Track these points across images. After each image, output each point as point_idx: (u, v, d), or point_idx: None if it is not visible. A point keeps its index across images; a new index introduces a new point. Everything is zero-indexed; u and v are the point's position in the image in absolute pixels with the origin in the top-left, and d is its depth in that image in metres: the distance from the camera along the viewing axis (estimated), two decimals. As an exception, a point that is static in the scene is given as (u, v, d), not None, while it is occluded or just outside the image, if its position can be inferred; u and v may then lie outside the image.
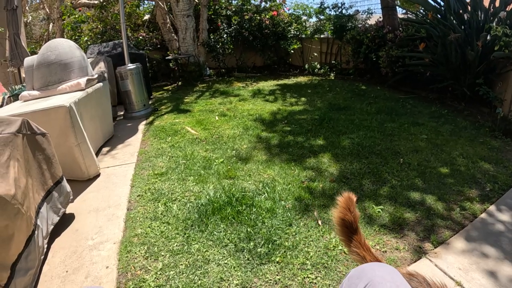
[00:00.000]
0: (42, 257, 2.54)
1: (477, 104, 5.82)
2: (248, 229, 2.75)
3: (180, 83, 9.78)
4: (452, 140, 4.49)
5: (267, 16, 10.64)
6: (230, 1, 11.71)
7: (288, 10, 11.58)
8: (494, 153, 4.07)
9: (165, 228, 2.88)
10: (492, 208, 2.99)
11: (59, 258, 2.65)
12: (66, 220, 3.13)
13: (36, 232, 2.45)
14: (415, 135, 4.67)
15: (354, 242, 1.36)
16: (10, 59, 7.04)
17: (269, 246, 2.56)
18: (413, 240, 2.62)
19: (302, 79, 9.68)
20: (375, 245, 2.56)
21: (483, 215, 2.90)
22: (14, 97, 5.44)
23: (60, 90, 4.50)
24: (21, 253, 2.23)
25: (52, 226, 2.83)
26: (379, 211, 2.96)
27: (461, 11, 6.38)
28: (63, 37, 11.38)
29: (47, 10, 14.12)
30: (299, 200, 3.20)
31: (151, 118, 6.37)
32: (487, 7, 6.04)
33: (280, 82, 9.32)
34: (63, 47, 4.81)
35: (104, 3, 10.56)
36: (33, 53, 10.16)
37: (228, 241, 2.65)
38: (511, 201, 3.08)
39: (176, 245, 2.65)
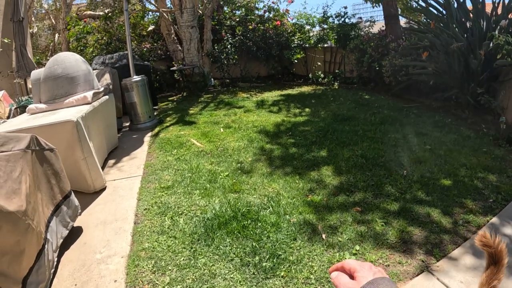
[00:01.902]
0: (53, 270, 2.59)
1: (481, 112, 5.84)
2: (254, 244, 2.79)
3: (185, 93, 9.86)
4: (455, 150, 4.51)
5: (271, 26, 10.73)
6: (234, 11, 11.81)
7: (292, 20, 11.66)
8: (497, 163, 4.09)
9: (172, 242, 2.92)
10: (495, 220, 3.01)
11: (68, 271, 2.69)
12: (74, 233, 3.17)
13: (46, 246, 2.50)
14: (418, 146, 4.69)
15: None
16: (17, 70, 7.13)
17: (274, 260, 2.60)
18: (416, 253, 2.64)
19: (306, 88, 9.75)
20: (378, 259, 2.59)
21: (485, 227, 2.91)
22: (21, 108, 5.51)
23: (67, 103, 4.56)
24: (32, 267, 2.27)
25: (62, 240, 2.87)
26: (382, 225, 2.99)
27: (463, 19, 6.42)
28: (69, 48, 11.52)
29: (53, 21, 14.29)
30: (304, 214, 3.23)
31: (156, 130, 6.42)
32: (489, 14, 6.09)
33: (284, 92, 9.38)
34: (69, 60, 4.88)
35: (109, 14, 10.68)
36: (39, 63, 10.30)
37: (234, 256, 2.68)
38: (514, 213, 3.09)
39: (183, 260, 2.69)
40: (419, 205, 3.28)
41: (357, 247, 2.72)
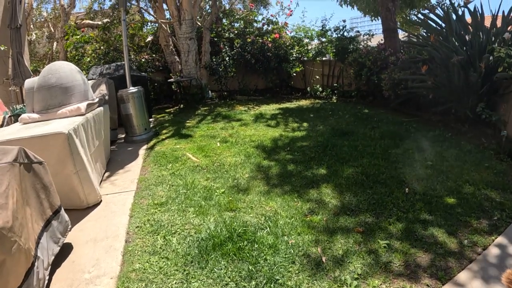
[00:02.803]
0: (44, 289, 2.46)
1: (480, 125, 5.78)
2: (250, 267, 2.66)
3: (182, 105, 9.81)
4: (457, 165, 4.45)
5: (269, 39, 10.72)
6: (232, 24, 11.82)
7: (290, 33, 11.68)
8: (500, 178, 4.04)
9: (164, 263, 2.79)
10: (500, 239, 2.92)
11: (55, 291, 2.56)
12: (62, 250, 3.03)
13: (36, 263, 2.39)
14: (419, 162, 4.61)
15: None
16: (12, 77, 7.04)
17: (272, 285, 2.47)
18: (420, 277, 2.53)
19: (304, 102, 9.71)
20: (381, 284, 2.47)
21: (491, 247, 2.83)
22: (15, 116, 5.41)
23: (60, 114, 4.46)
24: (20, 287, 2.15)
25: (53, 257, 2.75)
26: (385, 247, 2.87)
27: (462, 32, 6.39)
28: (67, 57, 11.48)
29: (51, 29, 14.26)
30: (303, 235, 3.11)
31: (152, 143, 6.32)
32: (488, 27, 6.06)
33: (282, 105, 9.34)
34: (64, 70, 4.79)
35: (108, 24, 10.65)
36: (36, 71, 10.22)
37: (229, 280, 2.55)
38: (519, 231, 3.00)
39: (175, 283, 2.56)
40: (422, 225, 3.17)
41: (359, 271, 2.60)
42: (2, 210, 2.12)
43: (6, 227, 2.06)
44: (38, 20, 15.74)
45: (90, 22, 12.16)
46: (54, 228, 2.89)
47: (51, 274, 2.72)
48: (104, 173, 4.92)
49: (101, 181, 4.57)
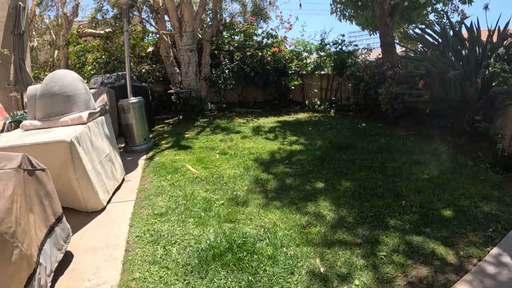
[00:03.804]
0: (45, 295, 2.47)
1: (477, 139, 5.85)
2: (249, 278, 2.69)
3: (181, 117, 9.85)
4: (453, 178, 4.51)
5: (269, 53, 10.82)
6: (232, 36, 11.92)
7: (290, 47, 11.79)
8: (495, 191, 4.11)
9: (164, 273, 2.81)
10: (495, 250, 2.97)
11: (54, 299, 2.57)
12: (62, 258, 3.04)
13: (38, 270, 2.40)
14: (416, 175, 4.66)
15: None
16: (14, 83, 7.06)
17: (271, 296, 2.50)
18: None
19: (302, 115, 9.78)
20: (378, 295, 2.51)
21: (486, 258, 2.87)
22: (15, 122, 5.42)
23: (61, 122, 4.47)
24: (21, 293, 2.17)
25: (56, 264, 2.76)
26: (382, 258, 2.91)
27: (459, 47, 6.48)
28: (68, 64, 11.51)
29: (53, 36, 14.31)
30: (301, 246, 3.14)
31: (151, 153, 6.34)
32: (484, 42, 6.15)
33: (281, 118, 9.39)
34: (67, 79, 4.81)
35: (110, 34, 10.73)
36: (37, 78, 10.24)
37: (229, 290, 2.58)
38: (513, 242, 3.05)
39: (176, 292, 2.59)
40: (419, 237, 3.21)
41: (357, 282, 2.63)
42: (7, 215, 2.15)
43: (9, 232, 2.10)
44: (40, 27, 15.77)
45: (92, 31, 12.24)
46: (57, 235, 2.91)
47: (53, 281, 2.73)
48: (123, 182, 4.94)
49: (115, 190, 4.57)
